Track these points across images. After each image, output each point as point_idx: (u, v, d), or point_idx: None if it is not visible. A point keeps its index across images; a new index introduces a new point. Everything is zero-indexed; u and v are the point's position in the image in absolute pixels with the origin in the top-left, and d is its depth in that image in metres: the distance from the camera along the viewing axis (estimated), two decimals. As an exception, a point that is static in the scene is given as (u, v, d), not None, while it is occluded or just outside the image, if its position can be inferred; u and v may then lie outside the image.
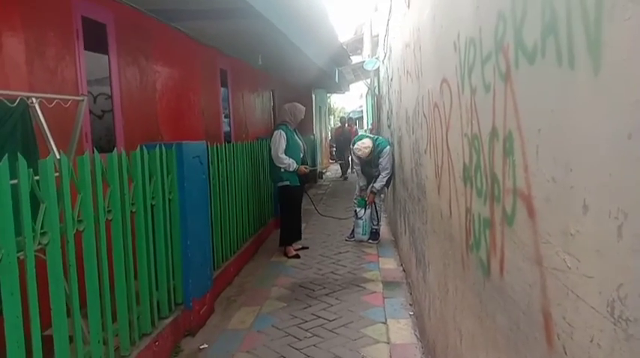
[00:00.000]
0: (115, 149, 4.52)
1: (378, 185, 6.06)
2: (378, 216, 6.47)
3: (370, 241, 6.31)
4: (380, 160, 5.89)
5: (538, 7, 0.95)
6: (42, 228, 2.09)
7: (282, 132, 5.55)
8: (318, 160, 14.08)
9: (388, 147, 5.88)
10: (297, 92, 14.50)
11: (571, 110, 0.83)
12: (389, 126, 6.49)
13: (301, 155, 5.70)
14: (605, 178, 0.73)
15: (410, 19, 3.36)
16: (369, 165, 6.16)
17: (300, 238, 6.04)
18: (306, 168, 5.76)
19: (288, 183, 5.65)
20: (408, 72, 3.68)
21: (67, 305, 2.27)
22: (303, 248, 5.95)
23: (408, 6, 3.36)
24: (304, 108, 5.93)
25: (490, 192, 1.40)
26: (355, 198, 6.46)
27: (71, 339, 2.31)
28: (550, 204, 0.95)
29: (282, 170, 5.60)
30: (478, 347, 1.61)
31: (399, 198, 5.15)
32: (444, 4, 2.04)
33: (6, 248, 1.86)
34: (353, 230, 6.51)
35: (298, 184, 5.73)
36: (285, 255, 5.70)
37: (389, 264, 5.35)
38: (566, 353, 0.90)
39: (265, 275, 5.04)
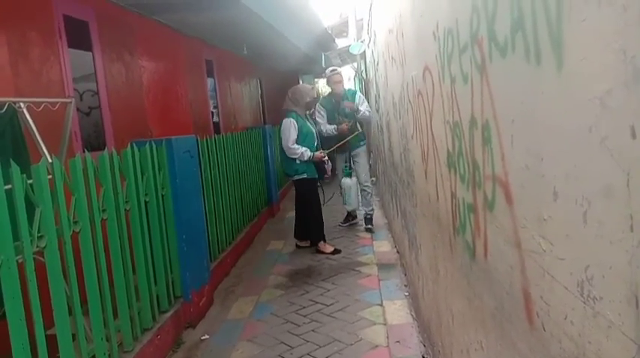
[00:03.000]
0: (106, 147, 4.58)
1: (361, 113, 5.92)
2: (367, 199, 6.13)
3: (366, 227, 6.12)
4: (356, 101, 5.93)
5: (507, 3, 0.99)
6: (39, 231, 2.12)
7: (293, 120, 5.13)
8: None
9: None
10: (285, 79, 14.45)
11: (539, 103, 0.88)
12: (377, 111, 6.52)
13: (315, 143, 5.30)
14: (570, 168, 0.79)
15: (392, 4, 3.38)
16: (341, 114, 5.92)
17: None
18: (322, 152, 5.31)
19: (305, 175, 5.23)
20: (392, 57, 3.72)
21: (68, 304, 2.32)
22: (336, 251, 5.26)
23: (390, -8, 3.38)
24: (309, 87, 5.79)
25: (472, 178, 1.45)
26: (342, 169, 6.18)
27: (74, 338, 2.36)
28: (525, 191, 1.01)
29: (298, 161, 5.18)
30: (468, 326, 1.68)
31: (390, 181, 5.22)
32: (422, -8, 2.07)
33: (5, 253, 1.90)
34: (347, 215, 6.38)
35: (316, 176, 5.33)
36: (322, 251, 5.24)
37: (383, 246, 5.43)
38: (544, 330, 0.96)
39: (262, 264, 5.11)
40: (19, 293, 1.95)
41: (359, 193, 6.17)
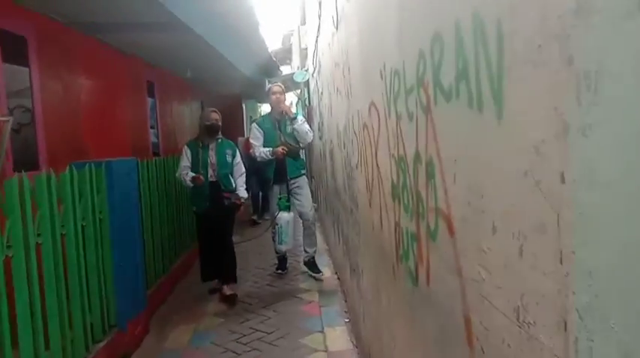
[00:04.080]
0: (39, 167, 4.37)
1: (299, 126, 5.00)
2: (310, 239, 5.29)
3: (311, 274, 5.25)
4: (295, 122, 5.03)
5: (452, 55, 1.10)
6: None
7: (186, 147, 4.73)
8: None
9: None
10: (228, 102, 14.40)
11: (481, 146, 0.99)
12: (320, 138, 6.66)
13: (209, 172, 4.66)
14: (508, 206, 0.88)
15: (338, 39, 3.52)
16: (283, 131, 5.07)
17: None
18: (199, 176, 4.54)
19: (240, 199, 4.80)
20: (337, 89, 3.85)
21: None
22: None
23: (337, 28, 3.52)
24: (210, 110, 4.88)
25: (416, 209, 1.55)
26: (277, 202, 5.16)
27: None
28: (467, 224, 1.10)
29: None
30: (410, 351, 1.76)
31: (333, 207, 5.31)
32: (370, 33, 2.19)
33: None
34: (282, 259, 5.43)
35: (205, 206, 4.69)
36: (228, 296, 4.71)
37: (324, 273, 5.47)
38: (483, 352, 1.04)
39: (200, 291, 4.99)
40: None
41: (296, 231, 5.35)
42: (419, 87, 1.39)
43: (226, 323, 4.16)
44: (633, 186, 0.57)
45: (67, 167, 3.05)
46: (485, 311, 1.02)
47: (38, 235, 2.61)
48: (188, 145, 4.75)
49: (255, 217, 8.49)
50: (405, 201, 1.70)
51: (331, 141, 4.94)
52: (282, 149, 4.95)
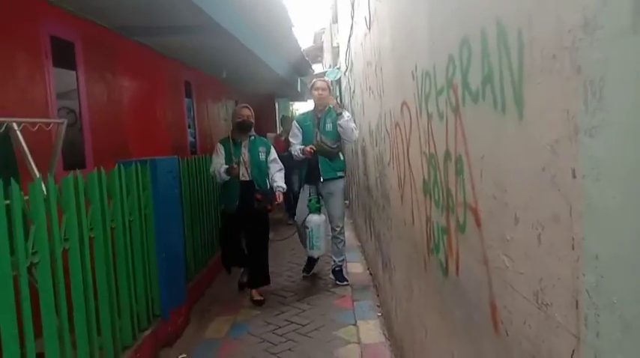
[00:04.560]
0: (85, 166, 4.63)
1: (344, 123, 4.66)
2: (339, 247, 5.01)
3: (337, 282, 4.97)
4: (341, 118, 4.70)
5: (479, 60, 1.19)
6: (33, 247, 2.20)
7: (219, 145, 4.66)
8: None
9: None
10: (261, 101, 14.64)
11: (504, 144, 1.07)
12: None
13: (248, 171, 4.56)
14: (527, 199, 0.97)
15: (371, 40, 3.61)
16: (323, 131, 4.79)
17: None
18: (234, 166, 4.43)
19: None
20: (370, 88, 3.94)
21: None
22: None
23: (369, 28, 3.61)
24: (242, 106, 4.79)
25: (446, 204, 1.64)
26: (307, 204, 4.90)
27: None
28: (492, 216, 1.19)
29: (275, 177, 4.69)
30: (440, 338, 1.85)
31: (364, 204, 5.40)
32: (401, 35, 2.28)
33: (1, 267, 1.97)
34: (309, 261, 5.18)
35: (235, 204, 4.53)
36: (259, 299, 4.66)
37: (356, 268, 5.57)
38: (507, 335, 1.13)
39: (237, 285, 5.17)
40: (14, 307, 2.01)
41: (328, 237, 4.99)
42: (448, 88, 1.48)
43: (262, 315, 4.32)
44: (633, 181, 0.65)
45: (115, 165, 3.25)
46: (509, 296, 1.11)
47: (91, 229, 2.81)
48: (221, 143, 4.65)
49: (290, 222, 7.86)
50: (436, 197, 1.79)
51: (363, 138, 5.03)
52: (310, 148, 4.68)
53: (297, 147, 4.87)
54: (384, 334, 3.77)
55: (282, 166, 4.74)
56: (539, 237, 0.93)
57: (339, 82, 10.37)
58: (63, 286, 2.44)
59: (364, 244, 5.93)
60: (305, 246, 5.01)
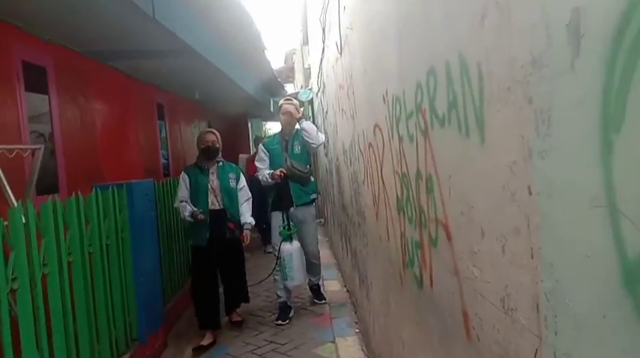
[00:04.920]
0: (59, 190, 4.59)
1: (307, 125, 4.65)
2: (314, 268, 4.93)
3: (316, 300, 5.00)
4: (302, 124, 4.67)
5: (444, 88, 1.30)
6: (12, 273, 2.20)
7: (183, 174, 4.34)
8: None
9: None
10: (234, 122, 14.70)
11: (468, 164, 1.18)
12: (326, 155, 6.87)
13: (209, 199, 4.26)
14: (491, 214, 1.07)
15: (342, 64, 3.75)
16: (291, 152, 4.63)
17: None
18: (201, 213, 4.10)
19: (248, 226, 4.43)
20: (342, 110, 4.06)
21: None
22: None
23: (340, 53, 3.75)
24: (206, 131, 4.52)
25: (419, 220, 1.74)
26: (279, 231, 4.57)
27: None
28: (461, 231, 1.29)
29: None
30: (417, 350, 1.93)
31: (340, 222, 5.49)
32: (372, 61, 2.41)
33: None
34: (281, 309, 4.64)
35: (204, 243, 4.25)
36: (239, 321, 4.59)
37: (333, 286, 5.63)
38: (479, 340, 1.23)
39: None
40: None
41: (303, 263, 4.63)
42: (417, 113, 1.60)
43: (241, 336, 4.33)
44: (578, 196, 0.76)
45: (90, 189, 3.27)
46: (479, 304, 1.20)
47: (69, 253, 2.81)
48: (186, 171, 4.33)
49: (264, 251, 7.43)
50: (409, 213, 1.89)
51: (337, 158, 5.15)
52: (281, 171, 4.42)
53: (265, 172, 4.57)
54: (362, 350, 3.82)
55: (250, 196, 4.49)
56: (503, 248, 1.03)
57: (311, 102, 10.54)
58: (42, 311, 2.44)
59: (340, 262, 6.00)
60: (275, 280, 4.70)
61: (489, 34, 1.00)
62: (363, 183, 3.15)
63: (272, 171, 4.50)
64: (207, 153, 4.30)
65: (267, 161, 4.65)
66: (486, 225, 1.11)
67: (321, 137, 4.75)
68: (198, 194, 4.18)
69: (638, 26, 0.59)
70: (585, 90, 0.70)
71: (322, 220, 9.28)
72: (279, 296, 4.66)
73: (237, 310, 4.62)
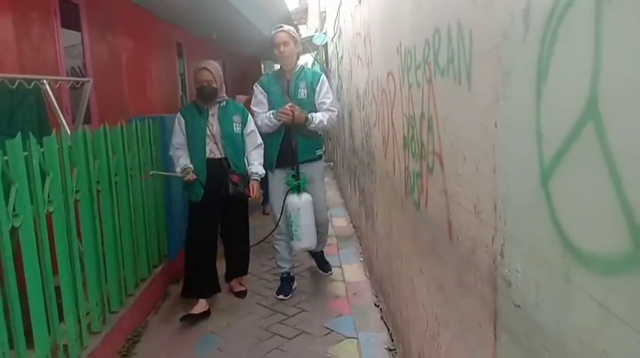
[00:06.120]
0: (90, 122, 4.98)
1: (320, 115, 3.75)
2: (321, 237, 4.16)
3: (321, 271, 4.38)
4: (317, 88, 3.80)
5: (445, 46, 1.64)
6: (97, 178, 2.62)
7: (179, 116, 3.68)
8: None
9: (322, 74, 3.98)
10: (247, 62, 14.86)
11: (459, 106, 1.55)
12: (339, 100, 7.16)
13: (207, 147, 3.57)
14: (471, 144, 1.45)
15: (361, 12, 4.01)
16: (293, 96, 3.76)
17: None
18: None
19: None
20: (358, 57, 4.36)
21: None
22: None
23: (360, 2, 4.01)
24: (199, 66, 3.68)
25: (420, 154, 2.12)
26: (286, 181, 3.81)
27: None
28: (450, 159, 1.68)
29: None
30: (412, 260, 2.37)
31: (350, 164, 5.89)
32: (388, 16, 2.71)
33: (25, 213, 2.25)
34: (283, 281, 4.05)
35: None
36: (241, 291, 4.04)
37: (341, 222, 6.11)
38: (458, 240, 1.64)
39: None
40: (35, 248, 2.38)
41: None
42: (424, 64, 1.94)
43: (257, 258, 4.81)
44: (523, 128, 1.13)
45: (118, 121, 3.62)
46: (459, 213, 1.61)
47: (115, 175, 3.23)
48: (181, 112, 3.65)
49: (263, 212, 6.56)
50: (413, 149, 2.27)
51: (350, 103, 5.47)
52: (291, 107, 3.58)
53: (263, 115, 3.73)
54: (365, 275, 4.32)
55: (262, 142, 3.74)
56: (477, 168, 1.42)
57: (325, 47, 10.67)
58: (98, 223, 2.90)
59: (348, 201, 6.44)
60: (279, 256, 4.09)
61: (479, 9, 1.34)
62: (375, 125, 3.52)
63: (274, 110, 3.66)
64: (203, 95, 3.57)
65: (266, 104, 3.78)
66: (467, 152, 1.49)
67: (335, 112, 3.89)
68: (194, 141, 3.51)
69: (557, 16, 0.94)
70: (530, 56, 1.06)
71: (331, 163, 9.70)
72: (280, 267, 4.08)
73: (240, 278, 4.07)
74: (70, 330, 2.58)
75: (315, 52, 12.22)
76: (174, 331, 3.46)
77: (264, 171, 3.72)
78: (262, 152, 3.74)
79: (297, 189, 3.73)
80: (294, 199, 3.69)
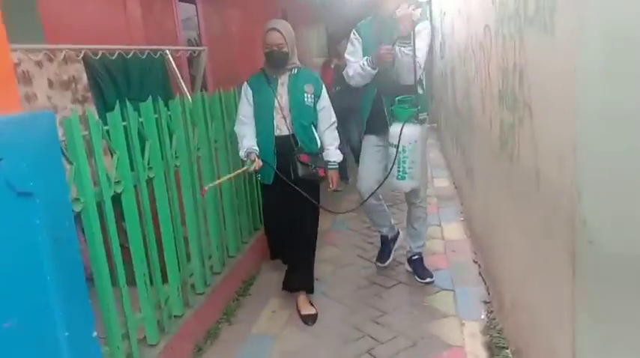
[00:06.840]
0: (208, 90, 5.43)
1: (409, 50, 2.95)
2: (416, 226, 3.57)
3: (417, 278, 3.53)
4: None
5: (534, -3, 1.66)
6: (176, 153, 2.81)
7: (246, 86, 3.20)
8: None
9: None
10: (348, 25, 14.84)
11: (544, 56, 1.57)
12: (442, 57, 7.02)
13: (274, 120, 3.06)
14: (553, 91, 1.48)
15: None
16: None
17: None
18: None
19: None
20: (459, 11, 4.28)
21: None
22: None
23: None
24: (267, 27, 3.09)
25: (513, 105, 2.14)
26: (393, 109, 3.15)
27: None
28: (538, 108, 1.71)
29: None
30: (507, 213, 2.42)
31: (452, 124, 5.83)
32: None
33: (156, 166, 2.56)
34: (383, 247, 3.84)
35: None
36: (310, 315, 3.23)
37: (443, 182, 6.07)
38: (543, 187, 1.68)
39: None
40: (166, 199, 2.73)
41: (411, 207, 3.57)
42: (516, 16, 1.95)
43: (358, 216, 5.01)
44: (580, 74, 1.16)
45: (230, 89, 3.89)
46: (545, 160, 1.65)
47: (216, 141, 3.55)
48: (249, 82, 3.17)
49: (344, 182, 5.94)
50: (507, 102, 2.29)
51: (452, 59, 5.38)
52: (386, 50, 2.97)
53: (355, 65, 3.20)
54: (465, 233, 4.35)
55: (335, 120, 3.23)
56: (559, 115, 1.46)
57: (429, 2, 10.35)
58: (216, 178, 3.27)
59: (450, 161, 6.39)
60: (374, 223, 3.75)
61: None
62: (474, 80, 3.49)
63: (368, 57, 3.10)
64: (272, 61, 3.07)
65: (360, 50, 3.27)
66: (551, 100, 1.53)
67: (410, 77, 3.07)
68: (261, 114, 3.08)
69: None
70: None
71: (435, 124, 9.56)
72: (379, 231, 3.83)
73: (309, 296, 3.32)
74: (196, 270, 3.00)
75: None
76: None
77: (341, 156, 3.26)
78: (337, 133, 3.24)
79: (412, 119, 3.07)
80: (409, 129, 3.04)
